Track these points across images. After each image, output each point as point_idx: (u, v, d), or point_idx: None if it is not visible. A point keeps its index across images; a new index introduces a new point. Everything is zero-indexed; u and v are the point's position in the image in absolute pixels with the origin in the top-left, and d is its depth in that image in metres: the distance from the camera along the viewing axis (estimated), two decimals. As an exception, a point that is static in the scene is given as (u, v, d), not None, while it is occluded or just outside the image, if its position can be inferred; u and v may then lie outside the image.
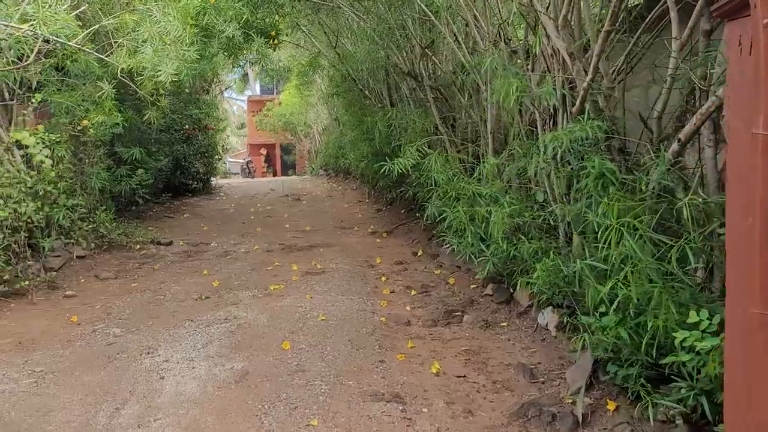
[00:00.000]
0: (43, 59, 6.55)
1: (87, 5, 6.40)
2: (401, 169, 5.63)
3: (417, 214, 8.95)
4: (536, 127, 5.25)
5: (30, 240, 6.58)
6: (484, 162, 6.19)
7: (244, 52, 7.69)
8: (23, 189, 6.51)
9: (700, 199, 2.99)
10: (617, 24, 3.40)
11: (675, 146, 3.24)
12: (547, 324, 4.66)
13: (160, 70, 5.44)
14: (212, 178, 15.84)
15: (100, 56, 5.68)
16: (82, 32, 5.64)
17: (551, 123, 4.62)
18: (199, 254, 7.97)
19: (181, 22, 5.56)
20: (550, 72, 4.21)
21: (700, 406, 2.81)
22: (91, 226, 7.53)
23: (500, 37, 5.61)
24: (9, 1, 5.86)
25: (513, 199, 4.75)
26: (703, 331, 2.67)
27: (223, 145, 18.87)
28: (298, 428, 3.39)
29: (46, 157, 6.47)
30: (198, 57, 5.81)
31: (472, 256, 5.41)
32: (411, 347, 4.58)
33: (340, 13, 8.82)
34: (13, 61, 6.57)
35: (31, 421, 3.56)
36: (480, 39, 5.79)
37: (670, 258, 2.89)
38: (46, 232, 6.78)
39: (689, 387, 2.84)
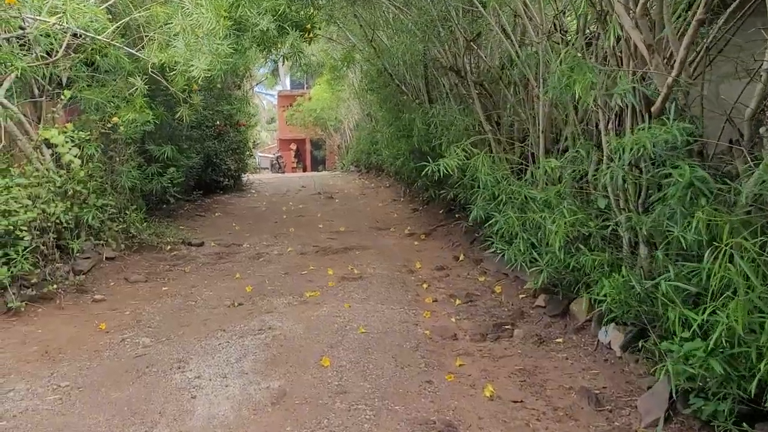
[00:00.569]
0: (73, 54, 6.31)
1: (117, -2, 6.16)
2: (446, 170, 5.24)
3: (457, 215, 8.57)
4: (594, 127, 4.84)
5: (59, 241, 6.37)
6: (534, 163, 5.81)
7: (278, 46, 7.36)
8: (52, 189, 6.30)
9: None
10: (710, 12, 2.98)
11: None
12: (610, 343, 4.25)
13: (192, 65, 5.15)
14: (243, 175, 15.62)
15: (130, 50, 5.40)
16: (112, 25, 5.36)
17: (617, 123, 4.20)
18: (231, 256, 7.70)
19: (214, 14, 5.27)
20: (620, 66, 3.79)
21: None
22: (121, 227, 7.30)
23: (555, 28, 5.20)
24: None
25: (571, 205, 4.35)
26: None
27: (254, 141, 18.64)
28: (342, 463, 3.06)
29: (75, 156, 6.22)
30: (231, 51, 5.50)
31: (524, 265, 5.03)
32: (459, 365, 4.21)
33: (377, 5, 8.47)
34: (42, 57, 6.36)
35: (54, 446, 3.29)
36: (532, 30, 5.38)
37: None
38: (75, 233, 6.56)
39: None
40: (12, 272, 5.53)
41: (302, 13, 7.62)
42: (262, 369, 4.17)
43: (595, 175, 4.64)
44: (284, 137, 35.28)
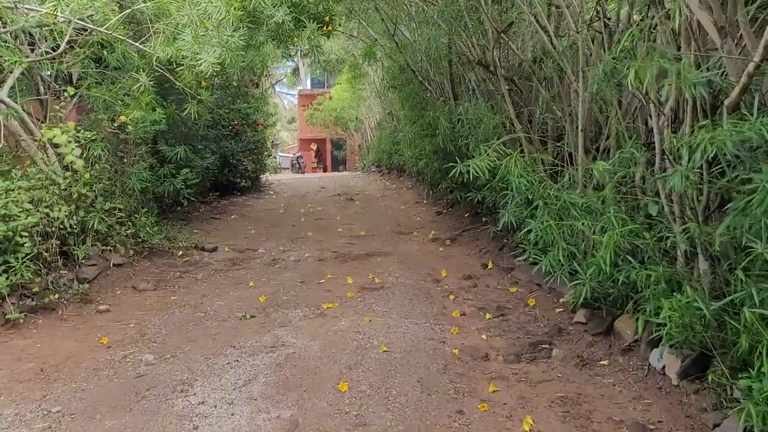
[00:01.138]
0: (77, 49, 5.95)
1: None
2: (475, 172, 4.77)
3: (483, 219, 8.10)
4: (643, 124, 4.35)
5: (63, 247, 6.03)
6: (572, 164, 5.32)
7: (295, 40, 6.95)
8: (56, 191, 5.96)
9: None
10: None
11: None
12: (664, 368, 3.76)
13: (200, 59, 4.75)
14: (261, 175, 15.26)
15: (134, 43, 5.02)
16: (115, 16, 4.98)
17: (672, 119, 3.70)
18: (246, 262, 7.30)
19: (225, 3, 4.86)
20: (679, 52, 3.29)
21: None
22: (130, 231, 6.94)
23: (597, 15, 4.71)
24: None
25: (618, 212, 3.86)
26: None
27: (272, 141, 18.28)
28: None
29: (79, 157, 5.86)
30: (244, 44, 5.09)
31: (562, 277, 4.55)
32: (493, 391, 3.75)
33: (400, -2, 8.03)
34: (46, 52, 6.01)
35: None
36: (570, 19, 4.90)
37: None
38: (81, 239, 6.21)
39: None
40: (11, 281, 5.19)
41: (320, 5, 7.20)
42: (273, 394, 3.75)
43: (643, 178, 4.17)
44: (305, 137, 35.05)
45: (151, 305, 5.78)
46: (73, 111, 7.75)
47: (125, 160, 7.16)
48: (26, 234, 5.40)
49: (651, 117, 3.95)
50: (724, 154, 2.74)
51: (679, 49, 3.36)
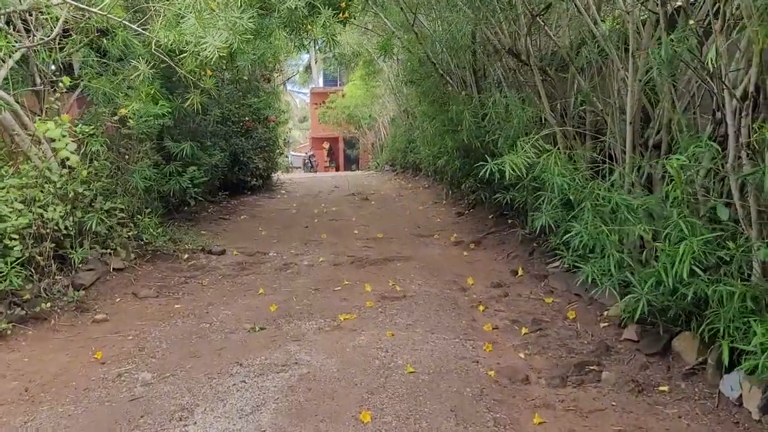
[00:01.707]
0: (74, 36, 5.49)
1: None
2: (512, 171, 4.25)
3: (509, 221, 7.56)
4: (710, 115, 3.81)
5: (58, 251, 5.57)
6: (617, 161, 4.79)
7: (309, 28, 6.44)
8: (52, 190, 5.50)
9: None
10: None
11: None
12: (740, 398, 3.22)
13: (205, 43, 4.26)
14: (273, 174, 14.78)
15: (132, 26, 4.54)
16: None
17: (753, 108, 3.16)
18: (255, 266, 6.81)
19: (233, -18, 4.37)
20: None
21: None
22: (132, 233, 6.46)
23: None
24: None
25: (687, 217, 3.33)
26: None
27: (285, 139, 17.80)
28: None
29: (74, 152, 5.39)
30: (252, 27, 4.59)
31: (611, 289, 4.02)
32: (539, 423, 3.23)
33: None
34: (40, 39, 5.56)
35: None
36: (619, -2, 4.36)
37: None
38: (78, 241, 5.74)
39: None
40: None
41: (337, -11, 6.68)
42: (285, 425, 3.25)
43: (706, 177, 3.64)
44: (317, 135, 34.64)
45: (153, 314, 5.30)
46: (75, 104, 7.31)
47: (127, 157, 6.68)
48: (17, 236, 4.95)
49: (722, 105, 3.42)
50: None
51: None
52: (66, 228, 5.49)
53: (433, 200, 11.45)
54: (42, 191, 5.41)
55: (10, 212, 4.99)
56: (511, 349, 4.26)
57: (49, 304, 5.01)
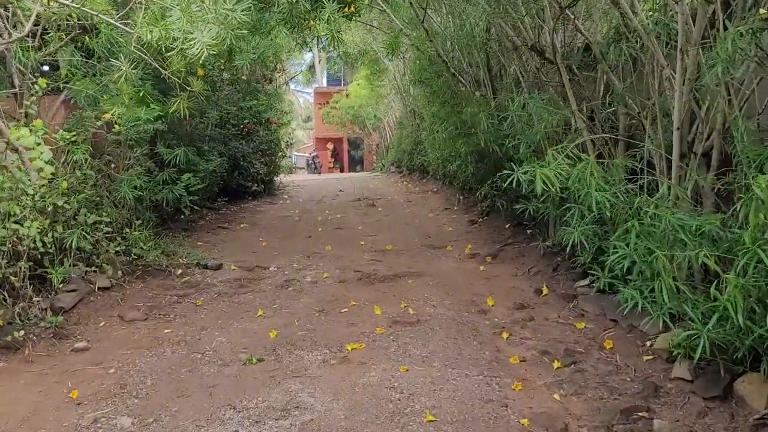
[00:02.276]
0: (53, 33, 4.96)
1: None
2: (544, 185, 3.71)
3: (529, 232, 7.02)
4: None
5: (36, 270, 5.05)
6: (653, 171, 4.25)
7: (311, 23, 5.90)
8: (29, 203, 4.98)
9: None
10: None
11: None
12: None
13: (193, 38, 3.72)
14: (275, 178, 14.24)
15: (112, 21, 4.01)
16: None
17: None
18: (254, 283, 6.27)
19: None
20: None
21: None
22: (120, 248, 5.94)
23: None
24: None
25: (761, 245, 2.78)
26: None
27: (287, 141, 17.26)
28: None
29: (47, 162, 4.87)
30: (247, 21, 4.06)
31: (664, 318, 3.49)
32: (587, 491, 2.69)
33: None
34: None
35: None
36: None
37: None
38: (59, 259, 5.22)
39: None
40: (-35, 315, 4.23)
41: (342, -17, 6.15)
42: (283, 494, 2.71)
43: None
44: (321, 136, 34.19)
45: (139, 341, 4.77)
46: (61, 107, 6.80)
47: (114, 165, 6.15)
48: (-14, 256, 4.44)
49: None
50: None
51: None
52: (44, 245, 4.97)
53: (443, 206, 10.88)
54: (18, 204, 4.89)
55: (-21, 229, 4.48)
56: (544, 389, 3.71)
57: (22, 332, 4.48)
